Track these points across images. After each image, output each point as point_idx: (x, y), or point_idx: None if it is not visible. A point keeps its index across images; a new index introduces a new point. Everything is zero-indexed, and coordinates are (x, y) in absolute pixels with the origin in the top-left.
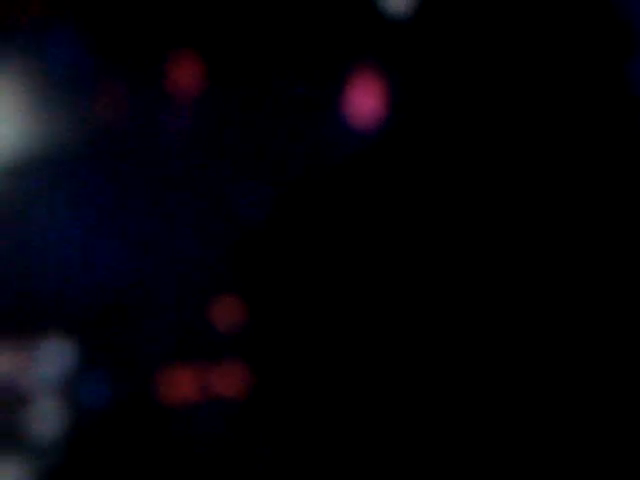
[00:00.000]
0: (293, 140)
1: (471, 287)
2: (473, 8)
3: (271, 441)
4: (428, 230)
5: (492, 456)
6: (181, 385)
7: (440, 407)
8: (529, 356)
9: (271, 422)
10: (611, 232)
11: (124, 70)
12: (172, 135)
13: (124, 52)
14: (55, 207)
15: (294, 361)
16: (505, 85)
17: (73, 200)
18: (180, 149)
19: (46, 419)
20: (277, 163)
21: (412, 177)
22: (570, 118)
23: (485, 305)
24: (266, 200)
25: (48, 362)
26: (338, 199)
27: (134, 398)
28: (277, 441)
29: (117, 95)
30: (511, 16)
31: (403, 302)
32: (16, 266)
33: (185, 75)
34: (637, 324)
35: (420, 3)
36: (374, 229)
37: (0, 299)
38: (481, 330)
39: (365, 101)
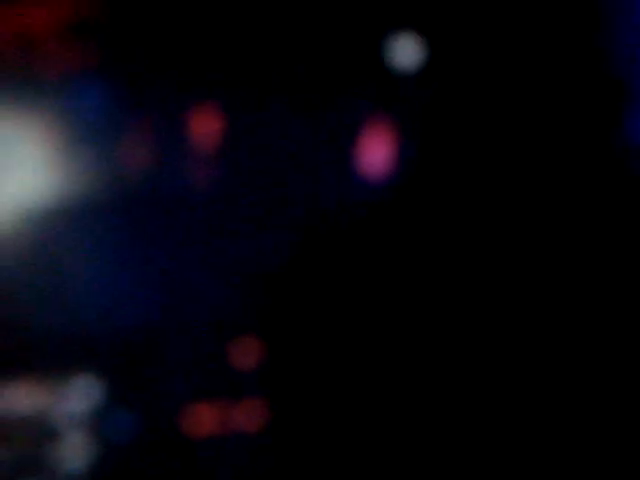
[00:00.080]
0: (308, 191)
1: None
2: (482, 60)
3: (289, 473)
4: (438, 284)
5: (492, 456)
6: (204, 420)
7: (446, 415)
8: (529, 357)
9: (289, 456)
10: (610, 239)
11: (149, 121)
12: (194, 184)
13: (149, 104)
14: (85, 252)
15: (310, 398)
16: (515, 138)
17: (102, 245)
18: (202, 197)
19: (74, 453)
20: (293, 213)
21: (423, 227)
22: (572, 174)
23: (486, 309)
24: (283, 247)
25: (76, 398)
26: (350, 246)
27: (159, 433)
28: (295, 473)
29: (142, 144)
30: (518, 69)
31: (417, 343)
32: (47, 307)
33: (207, 127)
34: (637, 325)
35: (428, 56)
36: (384, 274)
37: (32, 338)
38: (482, 333)
39: (377, 153)
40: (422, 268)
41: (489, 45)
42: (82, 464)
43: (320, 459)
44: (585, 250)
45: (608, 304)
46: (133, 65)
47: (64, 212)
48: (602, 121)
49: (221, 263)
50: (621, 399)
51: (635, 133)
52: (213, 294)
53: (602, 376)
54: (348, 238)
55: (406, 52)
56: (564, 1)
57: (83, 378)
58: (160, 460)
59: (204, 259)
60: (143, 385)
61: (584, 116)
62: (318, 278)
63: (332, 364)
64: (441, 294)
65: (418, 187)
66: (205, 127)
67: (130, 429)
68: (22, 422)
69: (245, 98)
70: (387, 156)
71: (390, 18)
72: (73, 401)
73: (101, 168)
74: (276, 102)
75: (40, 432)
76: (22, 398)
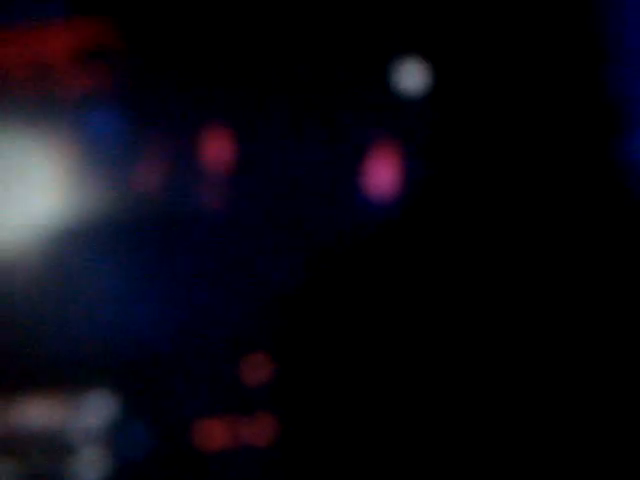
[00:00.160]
0: (318, 212)
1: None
2: (485, 84)
3: None
4: (446, 301)
5: (493, 456)
6: (215, 435)
7: (454, 427)
8: (534, 367)
9: (298, 469)
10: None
11: (162, 143)
12: (207, 205)
13: (162, 127)
14: (100, 271)
15: (318, 413)
16: (519, 161)
17: (117, 264)
18: (214, 219)
19: (89, 468)
20: (303, 233)
21: (428, 245)
22: (575, 192)
23: (491, 325)
24: (294, 267)
25: (91, 413)
26: (359, 265)
27: (172, 447)
28: None
29: (155, 167)
30: (521, 94)
31: (427, 362)
32: (63, 324)
33: (219, 149)
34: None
35: (434, 81)
36: (393, 291)
37: (48, 354)
38: (488, 352)
39: (383, 175)
40: (430, 285)
41: (492, 69)
42: (97, 478)
43: (328, 473)
44: (587, 268)
45: (606, 310)
46: (146, 89)
47: (80, 233)
48: (601, 139)
49: (233, 283)
50: (621, 399)
51: (633, 149)
52: (225, 313)
53: (602, 377)
54: (356, 257)
55: (412, 77)
56: (565, 24)
57: (98, 394)
58: (173, 474)
59: (216, 279)
60: (156, 401)
61: (585, 136)
62: (327, 297)
63: (340, 381)
64: (450, 311)
65: (423, 207)
66: (217, 150)
67: (144, 444)
68: (38, 437)
69: (256, 122)
70: (394, 178)
71: (396, 44)
72: (88, 416)
73: (115, 190)
74: (286, 126)
75: (56, 447)
76: (38, 413)
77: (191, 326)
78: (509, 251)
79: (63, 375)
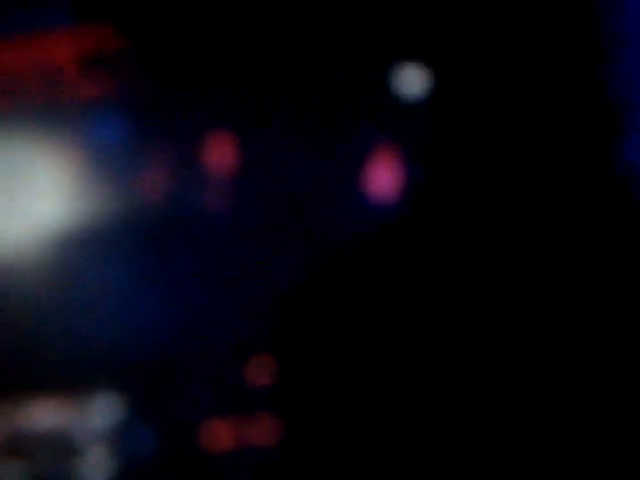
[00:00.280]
0: (320, 215)
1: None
2: (485, 89)
3: None
4: (447, 303)
5: (492, 456)
6: (220, 436)
7: (456, 427)
8: (535, 371)
9: (301, 469)
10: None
11: (166, 148)
12: (211, 209)
13: (166, 132)
14: (107, 275)
15: (321, 414)
16: (519, 166)
17: (122, 269)
18: (218, 222)
19: (96, 468)
20: (305, 236)
21: (428, 248)
22: (574, 197)
23: (491, 326)
24: (296, 270)
25: (98, 415)
26: (360, 267)
27: (178, 448)
28: None
29: (159, 171)
30: (520, 99)
31: (429, 363)
32: (71, 328)
33: (222, 154)
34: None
35: (434, 86)
36: (394, 293)
37: (54, 357)
38: (486, 354)
39: (384, 179)
40: (431, 287)
41: (492, 74)
42: (104, 477)
43: (332, 473)
44: (586, 269)
45: (604, 309)
46: (150, 95)
47: (86, 237)
48: (601, 141)
49: (237, 285)
50: (621, 399)
51: (633, 155)
52: (229, 315)
53: (602, 377)
54: (358, 260)
55: (412, 82)
56: (565, 27)
57: (105, 396)
58: (178, 474)
59: (221, 281)
60: (163, 402)
61: (585, 138)
62: (330, 299)
63: (342, 382)
64: (452, 313)
65: (424, 211)
66: (220, 154)
67: (149, 445)
68: (44, 438)
69: (258, 127)
70: (394, 182)
71: (397, 49)
72: (95, 418)
73: (119, 194)
74: (288, 131)
75: (61, 448)
76: (44, 415)
77: (196, 328)
78: (510, 253)
79: (69, 377)
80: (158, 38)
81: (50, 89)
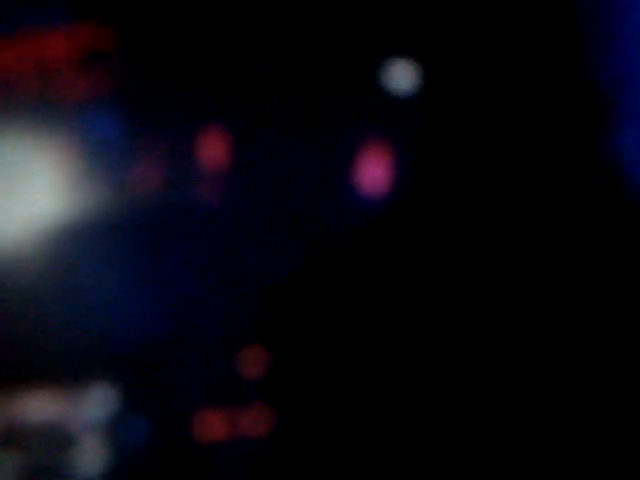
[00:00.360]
0: (311, 208)
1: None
2: (474, 83)
3: (293, 476)
4: (436, 295)
5: (492, 456)
6: (213, 427)
7: (447, 419)
8: (531, 372)
9: (293, 459)
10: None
11: (159, 144)
12: (203, 203)
13: (159, 128)
14: (100, 267)
15: (313, 405)
16: (508, 159)
17: (116, 261)
18: (210, 216)
19: (90, 458)
20: (296, 229)
21: (418, 241)
22: (562, 190)
23: (483, 322)
24: (288, 262)
25: (92, 406)
26: (351, 259)
27: (170, 439)
28: (298, 476)
29: (153, 167)
30: (509, 92)
31: (420, 355)
32: (64, 319)
33: (214, 149)
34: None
35: (424, 81)
36: (383, 285)
37: (49, 349)
38: (477, 346)
39: (374, 173)
40: (421, 280)
41: (481, 70)
42: (97, 469)
43: (323, 463)
44: (574, 267)
45: (590, 303)
46: (144, 92)
47: (81, 231)
48: (589, 138)
49: (229, 278)
50: (621, 399)
51: (621, 149)
52: (222, 307)
53: (602, 377)
54: (348, 252)
55: (402, 77)
56: (552, 24)
57: (98, 387)
58: (172, 464)
59: (213, 274)
60: (155, 393)
61: (573, 135)
62: (320, 291)
63: (334, 373)
64: (441, 307)
65: (413, 204)
66: (213, 150)
67: (143, 435)
68: (39, 429)
69: (250, 123)
70: (384, 176)
71: (387, 46)
72: (88, 409)
73: (114, 189)
74: (279, 125)
75: (57, 439)
76: (39, 406)
77: (189, 320)
78: (499, 246)
79: (63, 369)
80: (152, 36)
81: (45, 87)
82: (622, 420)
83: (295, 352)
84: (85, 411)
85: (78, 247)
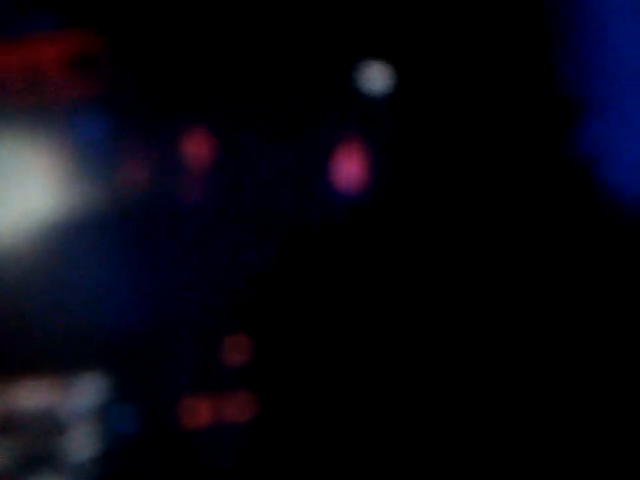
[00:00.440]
0: (289, 204)
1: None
2: (445, 83)
3: (277, 459)
4: (410, 287)
5: (492, 456)
6: (199, 413)
7: (438, 412)
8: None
9: (276, 443)
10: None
11: (146, 144)
12: (187, 200)
13: (146, 129)
14: (89, 261)
15: (296, 391)
16: (479, 157)
17: (103, 256)
18: (194, 212)
19: (80, 445)
20: (276, 224)
21: (392, 235)
22: (530, 184)
23: (466, 314)
24: (269, 255)
25: (82, 394)
26: (328, 252)
27: (158, 425)
28: (282, 460)
29: (140, 166)
30: (479, 92)
31: (407, 340)
32: (54, 311)
33: (198, 149)
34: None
35: (397, 81)
36: (359, 276)
37: (41, 339)
38: (464, 341)
39: (350, 171)
40: (392, 268)
41: (452, 70)
42: (88, 455)
43: (306, 447)
44: (543, 263)
45: (562, 301)
46: (131, 95)
47: (71, 227)
48: (556, 133)
49: (213, 270)
50: (620, 399)
51: (585, 143)
52: (206, 299)
53: (602, 378)
54: (326, 244)
55: (377, 78)
56: (519, 23)
57: (88, 376)
58: (159, 449)
59: (197, 267)
60: (143, 381)
61: (540, 130)
62: (300, 281)
63: (316, 360)
64: (414, 297)
65: (388, 200)
66: (196, 149)
67: (132, 422)
68: (31, 417)
69: (232, 123)
70: (360, 173)
71: (361, 47)
72: (79, 397)
73: (102, 187)
74: (259, 126)
75: (47, 427)
76: (31, 395)
77: (175, 310)
78: (473, 243)
79: (54, 358)
80: (139, 42)
81: (38, 90)
82: (622, 420)
83: (277, 340)
84: (75, 400)
85: (68, 242)
